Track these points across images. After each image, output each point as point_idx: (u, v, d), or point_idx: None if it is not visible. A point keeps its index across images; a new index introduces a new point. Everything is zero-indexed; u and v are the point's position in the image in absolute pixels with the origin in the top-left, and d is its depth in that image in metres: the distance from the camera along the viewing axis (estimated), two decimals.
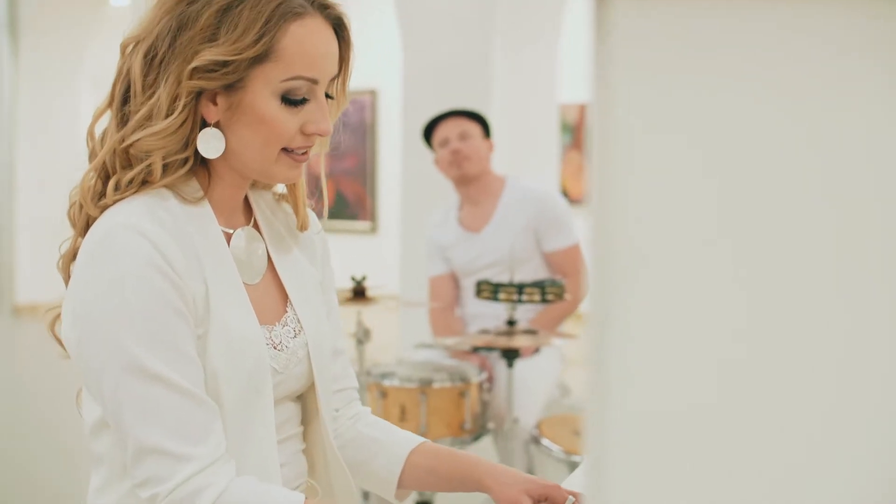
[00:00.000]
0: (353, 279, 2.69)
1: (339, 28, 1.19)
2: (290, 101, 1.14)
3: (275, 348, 1.21)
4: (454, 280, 3.19)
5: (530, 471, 2.80)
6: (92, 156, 1.18)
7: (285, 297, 1.26)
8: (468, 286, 3.10)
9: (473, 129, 3.09)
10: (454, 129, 3.07)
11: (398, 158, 5.82)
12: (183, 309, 1.10)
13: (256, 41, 1.10)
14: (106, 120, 1.19)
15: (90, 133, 1.19)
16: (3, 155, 7.78)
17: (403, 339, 4.98)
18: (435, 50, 5.36)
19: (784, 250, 0.50)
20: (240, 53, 1.10)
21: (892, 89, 0.49)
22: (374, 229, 8.63)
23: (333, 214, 8.83)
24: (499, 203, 3.09)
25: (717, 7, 0.49)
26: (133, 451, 1.08)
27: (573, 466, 2.69)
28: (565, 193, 7.77)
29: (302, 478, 1.28)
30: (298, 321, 1.26)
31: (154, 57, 1.12)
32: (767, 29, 0.49)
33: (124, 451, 1.10)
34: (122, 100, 1.15)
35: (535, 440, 2.78)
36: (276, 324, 1.23)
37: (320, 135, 1.18)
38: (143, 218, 1.10)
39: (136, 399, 1.07)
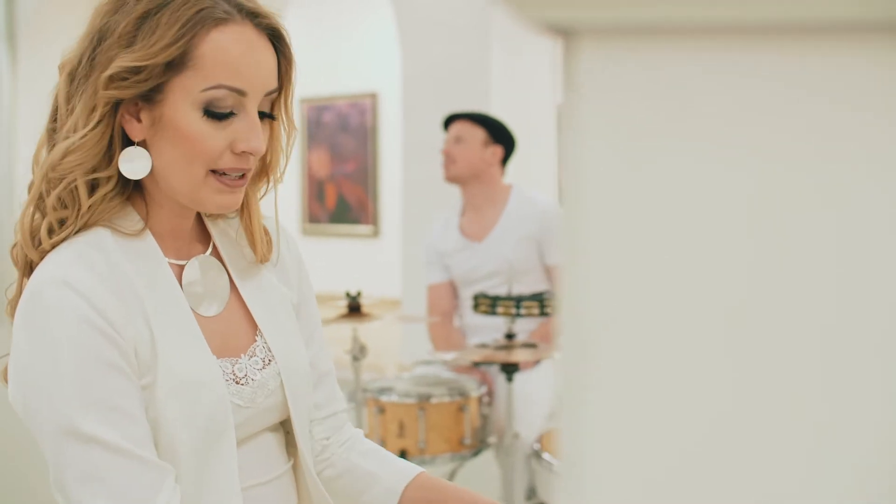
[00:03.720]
0: (347, 295, 2.64)
1: (277, 40, 1.11)
2: (214, 114, 1.05)
3: (237, 383, 1.14)
4: (453, 288, 3.14)
5: (532, 486, 2.75)
6: (30, 187, 1.11)
7: (254, 325, 1.19)
8: (467, 297, 3.05)
9: (474, 133, 3.04)
10: (453, 131, 3.07)
11: (400, 162, 5.77)
12: (121, 363, 1.03)
13: (171, 45, 1.03)
14: None
15: (35, 161, 1.12)
16: (3, 165, 7.75)
17: (404, 349, 4.94)
18: (434, 53, 5.31)
19: (756, 313, 0.45)
20: (153, 58, 1.03)
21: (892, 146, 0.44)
22: (376, 233, 8.58)
23: (335, 219, 8.78)
24: (503, 213, 3.04)
25: (697, 52, 0.44)
26: None
27: None
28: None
29: None
30: (269, 350, 1.18)
31: (77, 70, 1.07)
32: (755, 83, 0.43)
33: None
34: (52, 115, 1.10)
35: (537, 454, 2.73)
36: (242, 355, 1.16)
37: (251, 153, 1.08)
38: (74, 268, 1.04)
39: (75, 463, 1.01)
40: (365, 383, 2.77)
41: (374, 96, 8.44)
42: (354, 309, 2.63)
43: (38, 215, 1.09)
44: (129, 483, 1.01)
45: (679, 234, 0.45)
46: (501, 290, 2.77)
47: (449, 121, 3.12)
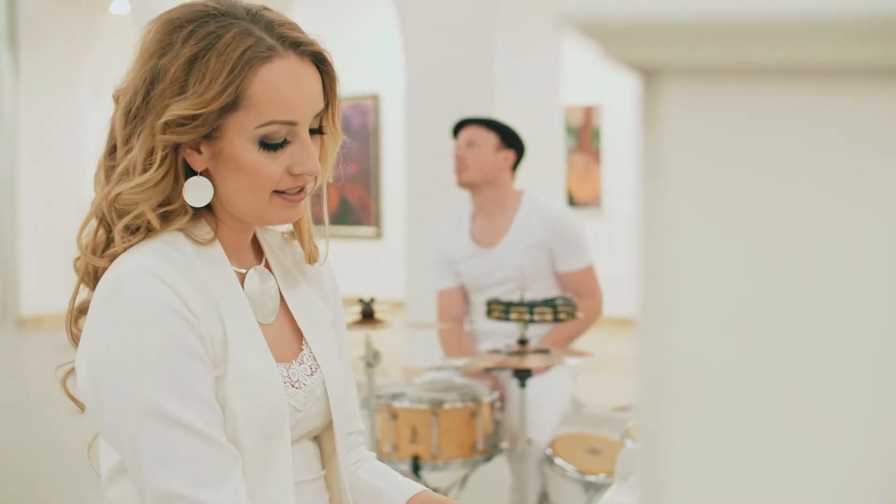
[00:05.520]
0: (360, 301, 2.63)
1: (321, 62, 1.16)
2: (269, 145, 1.12)
3: (293, 386, 1.20)
4: (463, 294, 3.13)
5: (544, 491, 2.75)
6: (93, 202, 1.17)
7: (300, 335, 1.25)
8: (478, 303, 3.04)
9: (486, 138, 3.02)
10: (465, 136, 3.04)
11: (402, 163, 5.77)
12: (200, 351, 1.08)
13: (222, 91, 1.08)
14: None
15: (97, 180, 1.17)
16: (5, 166, 7.75)
17: (410, 353, 4.93)
18: (437, 54, 5.31)
19: (845, 364, 0.44)
20: (206, 106, 1.08)
21: None
22: (378, 235, 8.58)
23: (338, 220, 8.77)
24: (514, 219, 3.02)
25: (781, 93, 0.44)
26: (152, 498, 1.06)
27: (588, 486, 2.64)
28: (571, 196, 7.72)
29: None
30: (314, 358, 1.24)
31: (130, 111, 1.11)
32: (840, 124, 0.43)
33: (142, 497, 1.08)
34: (109, 151, 1.15)
35: (549, 460, 2.73)
36: (293, 362, 1.22)
37: (308, 175, 1.15)
38: (157, 261, 1.09)
39: (155, 444, 1.05)
40: (377, 389, 2.77)
41: (375, 98, 8.43)
42: (368, 315, 2.63)
43: (101, 231, 1.15)
44: (206, 465, 1.06)
45: (765, 278, 0.44)
46: (513, 297, 2.76)
47: (459, 125, 3.10)
